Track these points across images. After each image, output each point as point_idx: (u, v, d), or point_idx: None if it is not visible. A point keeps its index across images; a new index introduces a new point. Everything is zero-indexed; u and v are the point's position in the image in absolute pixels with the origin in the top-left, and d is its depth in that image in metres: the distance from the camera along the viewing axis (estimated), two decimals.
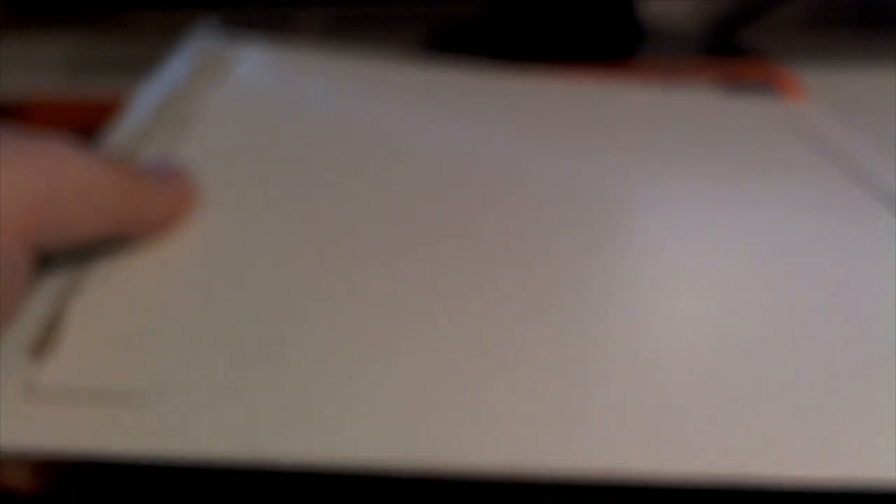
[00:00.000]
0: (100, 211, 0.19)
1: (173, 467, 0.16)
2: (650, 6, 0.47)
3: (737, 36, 0.47)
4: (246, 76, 0.31)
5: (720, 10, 0.48)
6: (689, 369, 0.20)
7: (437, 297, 0.21)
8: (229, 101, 0.29)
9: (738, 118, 0.33)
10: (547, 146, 0.29)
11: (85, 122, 0.36)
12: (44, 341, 0.18)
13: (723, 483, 0.17)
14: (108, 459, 0.16)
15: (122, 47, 0.46)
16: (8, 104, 0.37)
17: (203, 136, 0.27)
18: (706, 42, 0.46)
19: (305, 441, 0.16)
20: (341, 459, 0.16)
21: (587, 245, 0.24)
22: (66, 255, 0.20)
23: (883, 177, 0.28)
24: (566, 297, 0.21)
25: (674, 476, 0.17)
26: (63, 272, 0.20)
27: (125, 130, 0.27)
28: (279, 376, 0.18)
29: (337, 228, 0.23)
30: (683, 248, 0.24)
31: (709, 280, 0.23)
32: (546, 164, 0.28)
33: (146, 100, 0.29)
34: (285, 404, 0.17)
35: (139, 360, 0.18)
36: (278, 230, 0.23)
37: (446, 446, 0.17)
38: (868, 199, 0.27)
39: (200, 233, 0.22)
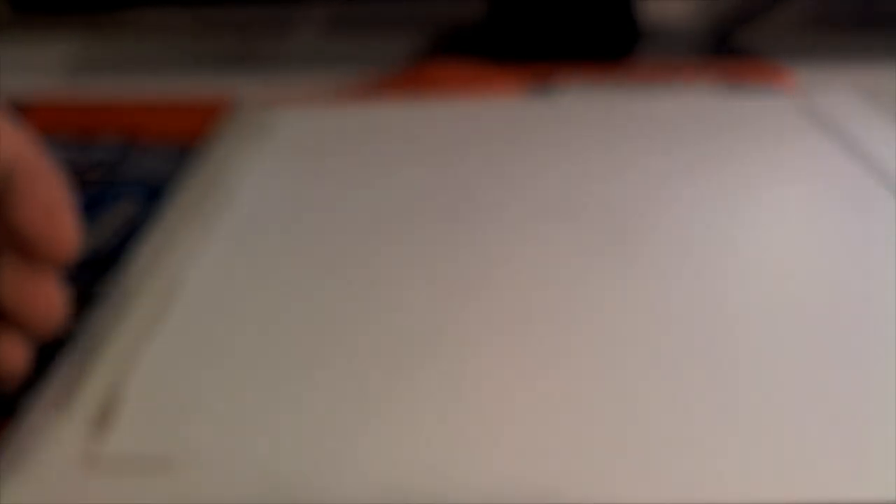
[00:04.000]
0: None
1: None
2: (650, 6, 0.47)
3: (736, 36, 0.47)
4: (289, 141, 0.32)
5: (720, 10, 0.48)
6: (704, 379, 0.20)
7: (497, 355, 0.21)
8: (270, 168, 0.30)
9: (745, 116, 0.33)
10: (571, 161, 0.30)
11: (85, 122, 0.36)
12: (104, 415, 0.19)
13: None
14: None
15: (122, 47, 0.46)
16: (9, 104, 0.37)
17: (245, 203, 0.28)
18: (706, 42, 0.46)
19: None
20: None
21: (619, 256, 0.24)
22: (120, 337, 0.22)
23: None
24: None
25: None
26: (118, 352, 0.21)
27: (176, 202, 0.28)
28: (314, 441, 0.18)
29: (383, 290, 0.23)
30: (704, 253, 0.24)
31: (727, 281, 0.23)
32: (577, 181, 0.29)
33: (194, 174, 0.30)
34: (330, 457, 0.18)
35: (187, 429, 0.19)
36: (325, 297, 0.23)
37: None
38: (883, 189, 0.27)
39: (246, 302, 0.23)
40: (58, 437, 0.19)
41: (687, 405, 0.19)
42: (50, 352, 0.21)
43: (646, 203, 0.27)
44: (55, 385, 0.20)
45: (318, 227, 0.26)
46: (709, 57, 0.43)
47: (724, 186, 0.28)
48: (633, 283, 0.23)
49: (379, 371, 0.20)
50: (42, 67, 0.43)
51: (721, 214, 0.26)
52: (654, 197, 0.27)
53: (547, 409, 0.19)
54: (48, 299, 0.19)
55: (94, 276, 0.26)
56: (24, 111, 0.37)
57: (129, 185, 0.33)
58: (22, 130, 0.18)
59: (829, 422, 0.18)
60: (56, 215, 0.18)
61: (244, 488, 0.17)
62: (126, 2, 0.44)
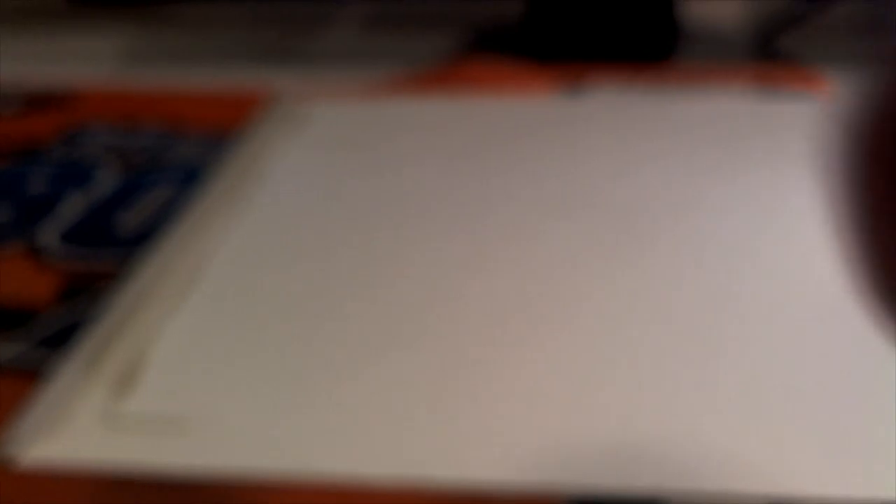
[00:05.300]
0: None
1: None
2: (694, 8, 0.47)
3: (779, 40, 0.46)
4: (321, 133, 0.33)
5: (765, 13, 0.47)
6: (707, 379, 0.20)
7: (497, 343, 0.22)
8: (303, 159, 0.31)
9: (776, 120, 0.33)
10: (599, 161, 0.30)
11: (132, 111, 0.38)
12: (127, 377, 0.20)
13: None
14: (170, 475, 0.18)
15: (171, 39, 0.48)
16: (61, 92, 0.39)
17: (277, 190, 0.29)
18: (748, 46, 0.45)
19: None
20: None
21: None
22: (147, 308, 0.23)
23: None
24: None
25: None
26: (145, 321, 0.22)
27: (210, 187, 0.29)
28: (326, 403, 0.20)
29: (402, 281, 0.24)
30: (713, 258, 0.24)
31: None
32: (605, 181, 0.29)
33: (229, 162, 0.31)
34: (333, 425, 0.19)
35: (204, 394, 0.20)
36: (345, 285, 0.24)
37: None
38: None
39: (267, 283, 0.24)
40: (83, 395, 0.20)
41: (690, 402, 0.19)
42: (76, 323, 0.22)
43: (671, 204, 0.27)
44: (83, 349, 0.21)
45: (345, 217, 0.27)
46: (748, 61, 0.43)
47: (751, 190, 0.28)
48: (655, 284, 0.23)
49: (388, 353, 0.21)
50: (94, 58, 0.45)
51: (748, 218, 0.26)
52: (679, 199, 0.27)
53: (553, 405, 0.19)
54: None
55: (129, 252, 0.27)
56: (75, 98, 0.39)
57: (169, 170, 0.34)
58: None
59: (829, 421, 0.18)
60: None
61: (254, 449, 0.18)
62: None
